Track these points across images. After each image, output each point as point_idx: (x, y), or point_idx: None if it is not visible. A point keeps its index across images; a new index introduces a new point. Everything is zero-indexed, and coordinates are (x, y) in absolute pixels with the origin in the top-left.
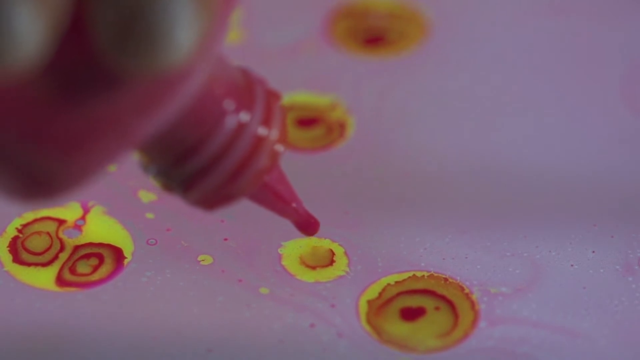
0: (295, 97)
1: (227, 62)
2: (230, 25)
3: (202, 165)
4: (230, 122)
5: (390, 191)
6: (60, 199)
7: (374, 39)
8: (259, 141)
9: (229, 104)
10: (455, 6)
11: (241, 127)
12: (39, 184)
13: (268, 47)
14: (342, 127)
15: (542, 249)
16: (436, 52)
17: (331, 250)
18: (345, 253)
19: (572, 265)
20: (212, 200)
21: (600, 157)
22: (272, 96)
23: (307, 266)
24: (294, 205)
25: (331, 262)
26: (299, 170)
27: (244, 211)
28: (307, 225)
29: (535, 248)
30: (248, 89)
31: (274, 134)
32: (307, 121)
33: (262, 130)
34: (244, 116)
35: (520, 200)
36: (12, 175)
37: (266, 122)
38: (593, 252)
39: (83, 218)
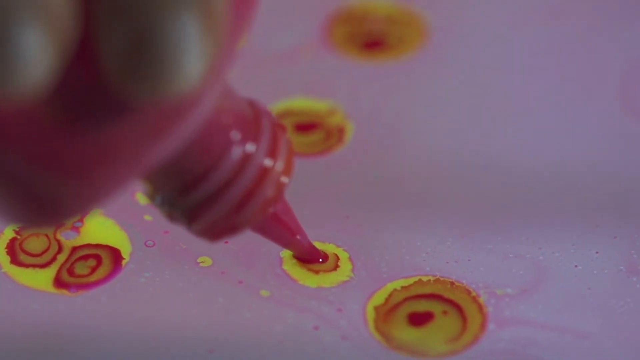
0: (293, 102)
1: (234, 92)
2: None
3: (207, 196)
4: (236, 152)
5: (389, 196)
6: (66, 222)
7: (372, 43)
8: (265, 172)
9: (235, 134)
10: (454, 11)
11: (247, 158)
12: (45, 209)
13: (266, 52)
14: (340, 132)
15: (545, 251)
16: (435, 57)
17: (336, 255)
18: (350, 258)
19: (576, 266)
20: (217, 231)
21: (601, 158)
22: (278, 128)
23: (310, 270)
24: (298, 237)
25: (335, 267)
26: (298, 175)
27: None
28: (312, 258)
29: (537, 249)
30: (254, 120)
31: (280, 165)
32: (306, 126)
33: (267, 162)
34: (250, 147)
35: (521, 202)
36: (18, 200)
37: (272, 153)
38: (596, 252)
39: (80, 219)
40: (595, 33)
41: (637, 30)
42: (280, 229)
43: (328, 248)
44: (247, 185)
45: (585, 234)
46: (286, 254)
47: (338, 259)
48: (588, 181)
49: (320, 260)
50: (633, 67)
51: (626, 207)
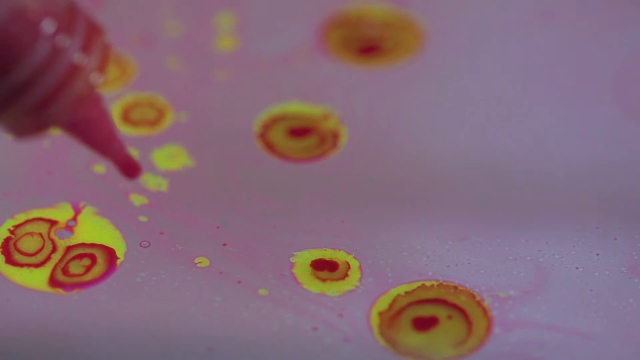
0: (288, 107)
1: None
2: (223, 33)
3: (14, 87)
4: (45, 45)
5: (385, 200)
6: None
7: (368, 48)
8: (74, 68)
9: (45, 27)
10: (450, 15)
11: (56, 52)
12: None
13: (262, 56)
14: (335, 137)
15: (545, 253)
16: (431, 62)
17: (347, 263)
18: (360, 267)
19: (577, 268)
20: (24, 127)
21: (600, 160)
22: (94, 28)
23: (318, 278)
24: (114, 144)
25: (345, 275)
26: (291, 179)
27: (240, 216)
28: (128, 168)
29: (538, 251)
30: (69, 17)
31: (92, 64)
32: (300, 131)
33: (78, 58)
34: (60, 41)
35: (520, 205)
36: None
37: (84, 50)
38: (597, 254)
39: (74, 219)
40: (589, 34)
41: (631, 30)
42: (94, 133)
43: (339, 256)
44: (55, 79)
45: (585, 236)
46: (298, 259)
47: (349, 267)
48: (588, 183)
49: (137, 174)
50: (629, 68)
51: (626, 208)
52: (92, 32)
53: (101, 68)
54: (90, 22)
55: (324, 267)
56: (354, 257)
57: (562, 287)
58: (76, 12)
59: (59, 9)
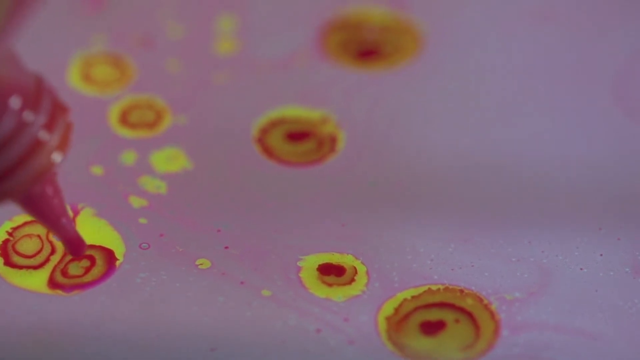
0: (286, 110)
1: (19, 63)
2: (223, 36)
3: None
4: (11, 119)
5: (384, 204)
6: None
7: (367, 52)
8: (37, 144)
9: (12, 102)
10: (449, 18)
11: (21, 127)
12: None
13: (261, 59)
14: (333, 141)
15: (549, 254)
16: (430, 65)
17: (354, 268)
18: (367, 272)
19: (581, 269)
20: None
21: (602, 161)
22: (59, 107)
23: (324, 283)
24: (63, 221)
25: (351, 280)
26: (289, 184)
27: (239, 220)
28: (75, 245)
29: (541, 252)
30: (35, 94)
31: (53, 141)
32: (298, 135)
33: (41, 134)
34: (26, 116)
35: (522, 206)
36: None
37: (48, 127)
38: (601, 255)
39: (73, 220)
40: (589, 34)
41: (631, 30)
42: (46, 208)
43: (347, 260)
44: (17, 153)
45: (588, 237)
46: (305, 263)
47: (356, 272)
48: (590, 184)
49: (82, 251)
50: (629, 68)
51: (629, 208)
52: (57, 110)
53: (62, 146)
54: (55, 100)
55: (331, 272)
56: (362, 263)
57: (567, 288)
58: (43, 89)
59: (26, 85)
